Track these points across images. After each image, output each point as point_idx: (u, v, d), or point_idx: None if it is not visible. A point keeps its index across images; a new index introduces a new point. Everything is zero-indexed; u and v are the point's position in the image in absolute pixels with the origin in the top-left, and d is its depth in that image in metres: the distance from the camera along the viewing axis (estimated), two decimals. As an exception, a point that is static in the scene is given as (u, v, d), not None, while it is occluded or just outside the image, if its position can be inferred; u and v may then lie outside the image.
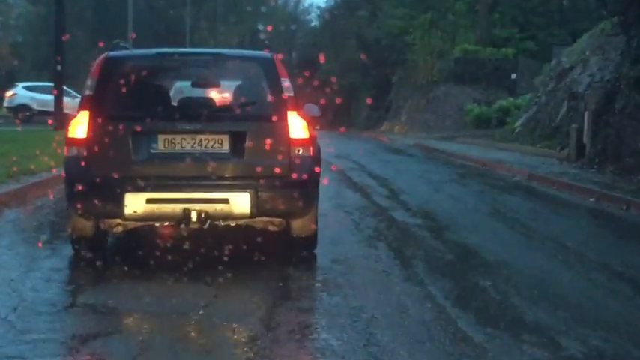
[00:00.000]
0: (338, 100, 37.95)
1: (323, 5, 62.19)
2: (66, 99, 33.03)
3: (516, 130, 21.83)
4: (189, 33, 45.29)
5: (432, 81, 37.07)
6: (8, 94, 33.52)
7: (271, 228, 6.42)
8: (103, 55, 6.50)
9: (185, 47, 42.06)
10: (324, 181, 10.07)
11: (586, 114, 15.60)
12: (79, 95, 32.28)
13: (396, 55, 41.26)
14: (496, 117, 31.09)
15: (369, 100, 39.39)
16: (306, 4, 72.16)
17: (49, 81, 29.98)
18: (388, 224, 8.79)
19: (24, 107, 32.09)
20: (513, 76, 35.05)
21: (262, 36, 41.85)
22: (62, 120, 25.94)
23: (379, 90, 43.71)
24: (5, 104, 33.62)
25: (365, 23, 46.87)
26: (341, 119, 45.56)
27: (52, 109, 31.98)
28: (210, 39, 51.70)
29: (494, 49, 35.90)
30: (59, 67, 26.21)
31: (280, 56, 6.99)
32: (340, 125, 41.49)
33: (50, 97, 33.46)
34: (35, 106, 32.20)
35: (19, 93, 32.99)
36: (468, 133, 29.51)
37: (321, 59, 42.12)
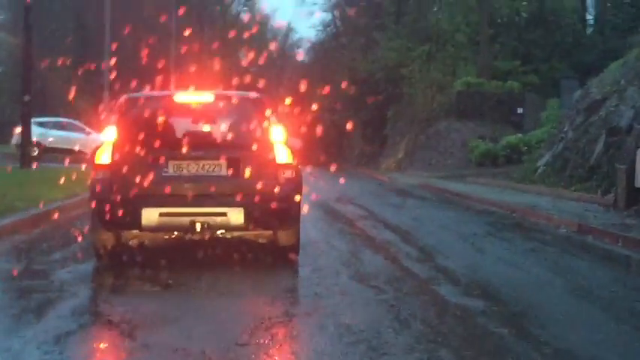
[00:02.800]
0: (319, 133, 35.40)
1: (313, 39, 60.12)
2: (78, 135, 30.25)
3: (539, 170, 19.32)
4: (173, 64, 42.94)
5: (432, 115, 34.67)
6: (18, 130, 30.53)
7: (261, 240, 7.82)
8: (123, 96, 7.87)
9: (170, 77, 39.83)
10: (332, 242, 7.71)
11: (638, 153, 13.15)
12: (93, 131, 29.79)
13: (391, 88, 38.95)
14: (504, 154, 28.88)
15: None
16: (295, 38, 69.97)
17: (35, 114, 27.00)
18: (439, 310, 6.19)
19: (35, 144, 29.39)
20: (520, 110, 32.72)
21: (244, 63, 39.61)
22: (29, 156, 23.26)
23: (373, 125, 41.37)
24: (14, 141, 30.41)
25: (358, 55, 44.66)
26: (331, 155, 42.85)
27: (64, 145, 29.35)
28: (194, 66, 49.40)
29: (498, 82, 33.62)
30: (27, 98, 23.63)
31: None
32: (332, 161, 38.83)
33: (63, 134, 30.85)
34: (47, 144, 29.76)
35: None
36: (474, 172, 27.10)
37: (302, 87, 39.56)
